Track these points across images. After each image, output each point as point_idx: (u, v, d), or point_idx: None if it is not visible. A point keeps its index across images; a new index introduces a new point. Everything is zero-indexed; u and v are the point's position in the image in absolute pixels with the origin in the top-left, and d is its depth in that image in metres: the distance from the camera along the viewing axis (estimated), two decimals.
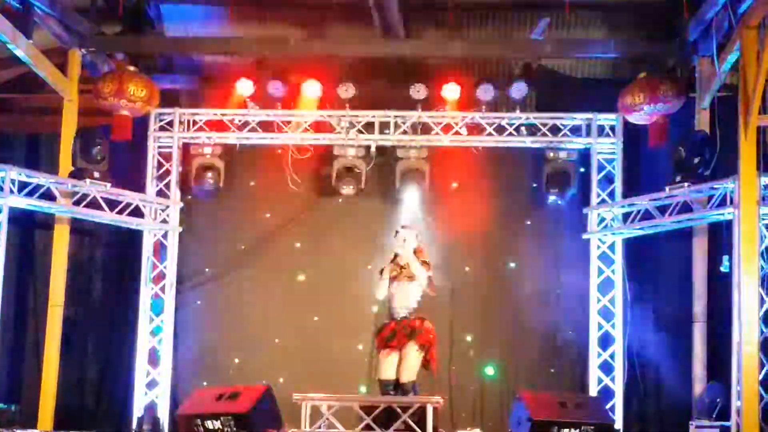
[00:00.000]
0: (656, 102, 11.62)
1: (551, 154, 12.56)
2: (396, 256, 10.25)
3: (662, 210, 11.47)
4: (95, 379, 12.83)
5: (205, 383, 12.08)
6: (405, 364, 10.02)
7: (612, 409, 11.97)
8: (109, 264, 13.11)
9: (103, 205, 11.94)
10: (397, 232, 10.38)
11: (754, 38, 9.95)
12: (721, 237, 10.85)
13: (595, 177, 12.65)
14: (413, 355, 10.03)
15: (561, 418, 10.40)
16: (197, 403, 10.80)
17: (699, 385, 11.68)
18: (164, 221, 12.77)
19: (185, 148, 12.98)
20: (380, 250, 11.15)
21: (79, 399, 12.70)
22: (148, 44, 12.57)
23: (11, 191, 10.96)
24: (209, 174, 12.69)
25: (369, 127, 12.74)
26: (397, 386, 10.02)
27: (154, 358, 12.60)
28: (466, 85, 12.36)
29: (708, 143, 11.14)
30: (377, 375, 10.27)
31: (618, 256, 12.42)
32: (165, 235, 12.81)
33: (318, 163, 12.96)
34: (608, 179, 12.64)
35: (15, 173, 11.05)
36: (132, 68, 12.21)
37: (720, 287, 11.22)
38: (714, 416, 11.10)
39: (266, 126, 12.83)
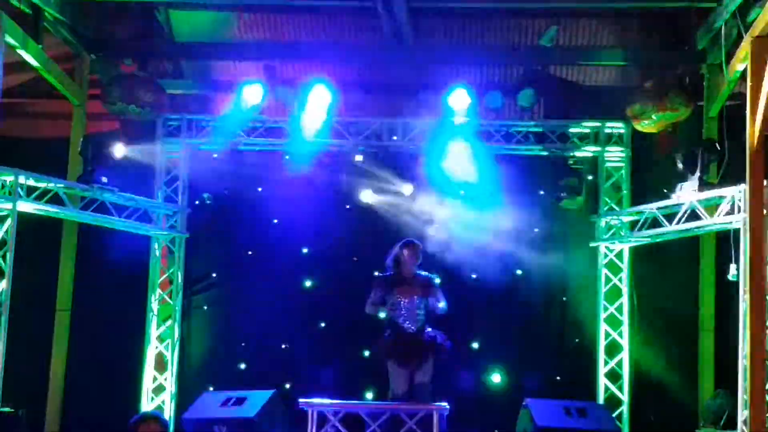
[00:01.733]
0: (664, 110, 11.61)
1: (559, 162, 12.56)
2: (397, 270, 10.23)
3: (670, 218, 11.45)
4: (102, 383, 12.84)
5: (211, 388, 12.09)
6: (419, 373, 10.05)
7: (619, 417, 11.96)
8: (117, 269, 13.11)
9: (112, 210, 11.95)
10: (406, 244, 10.34)
11: (762, 47, 9.93)
12: (728, 245, 10.83)
13: (603, 185, 12.66)
14: (428, 364, 10.07)
15: (567, 426, 10.41)
16: (204, 409, 10.83)
17: (706, 394, 11.67)
18: (172, 227, 12.79)
19: (193, 153, 13.00)
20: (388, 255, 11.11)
21: (85, 404, 12.71)
22: (156, 49, 12.61)
23: (20, 195, 10.97)
24: (216, 180, 12.70)
25: (378, 133, 12.74)
26: (410, 396, 10.04)
27: (160, 364, 12.62)
28: (474, 92, 12.36)
29: (716, 151, 11.12)
30: (391, 386, 10.25)
31: (625, 264, 12.42)
32: (172, 241, 12.83)
33: (326, 169, 12.96)
34: (616, 187, 12.65)
35: (24, 178, 11.05)
36: (141, 73, 12.24)
37: (727, 295, 11.21)
38: (721, 425, 11.08)
39: (274, 132, 12.84)
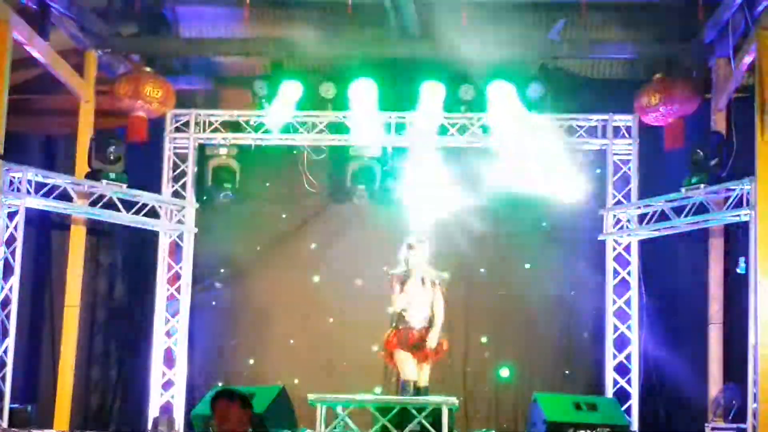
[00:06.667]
0: (672, 103, 11.60)
1: (567, 155, 12.53)
2: (407, 268, 10.28)
3: (678, 211, 11.44)
4: (111, 379, 12.87)
5: (220, 384, 12.09)
6: (422, 372, 10.16)
7: (628, 411, 11.94)
8: (125, 265, 13.14)
9: (119, 205, 11.97)
10: (410, 246, 10.37)
11: None
12: (737, 238, 10.81)
13: (611, 178, 12.63)
14: (428, 366, 10.15)
15: (576, 420, 10.40)
16: None
17: (715, 387, 11.64)
18: (180, 222, 12.80)
19: (201, 149, 13.00)
20: (396, 251, 11.11)
21: (95, 399, 12.74)
22: (164, 45, 12.61)
23: (28, 192, 10.99)
24: (225, 175, 12.70)
25: (385, 127, 12.72)
26: (416, 388, 10.10)
27: (169, 359, 12.62)
28: (481, 85, 12.34)
29: (724, 144, 11.11)
30: (401, 375, 10.31)
31: (634, 258, 12.39)
32: (180, 236, 12.83)
33: (333, 164, 12.97)
34: (624, 180, 12.61)
35: (32, 174, 11.08)
36: (148, 69, 12.25)
37: (736, 289, 11.19)
38: (730, 418, 11.07)
39: (282, 127, 12.82)
